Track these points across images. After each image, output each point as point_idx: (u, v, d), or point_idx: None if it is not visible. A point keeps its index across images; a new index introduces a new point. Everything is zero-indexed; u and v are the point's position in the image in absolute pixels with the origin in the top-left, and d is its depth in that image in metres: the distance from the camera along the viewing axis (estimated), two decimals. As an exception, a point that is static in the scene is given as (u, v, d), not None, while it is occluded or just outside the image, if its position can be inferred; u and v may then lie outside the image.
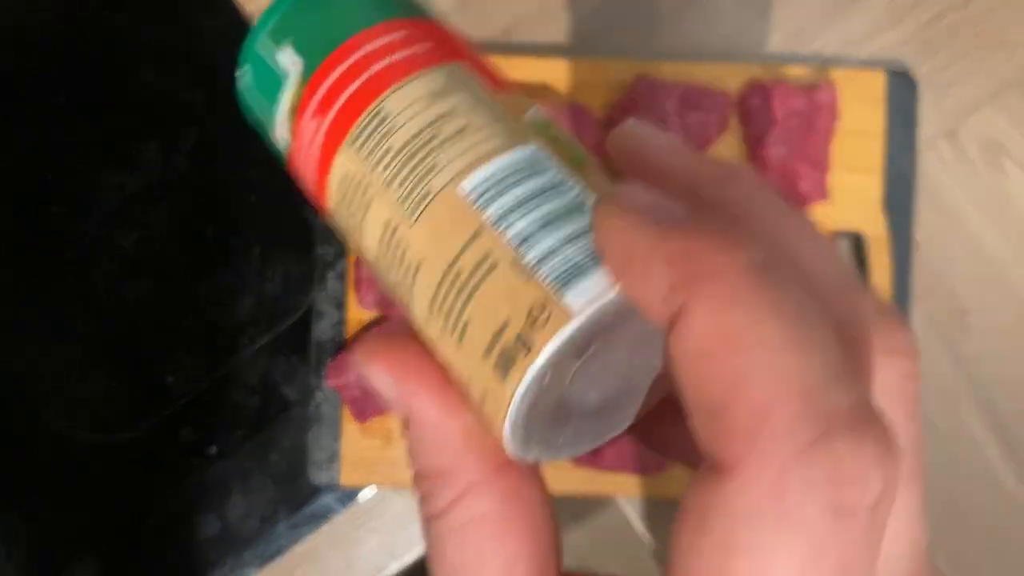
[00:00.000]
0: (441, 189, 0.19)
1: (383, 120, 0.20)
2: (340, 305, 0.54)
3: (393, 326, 0.22)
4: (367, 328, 0.54)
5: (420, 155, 0.20)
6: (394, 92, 0.21)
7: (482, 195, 0.19)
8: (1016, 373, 0.57)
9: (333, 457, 0.54)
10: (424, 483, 0.20)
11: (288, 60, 0.23)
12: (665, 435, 0.22)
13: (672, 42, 0.58)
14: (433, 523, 0.20)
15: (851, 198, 0.54)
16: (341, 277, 0.54)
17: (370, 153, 0.20)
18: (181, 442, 0.56)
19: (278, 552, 0.56)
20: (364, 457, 0.54)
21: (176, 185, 0.57)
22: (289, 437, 0.56)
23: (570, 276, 0.17)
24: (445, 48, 0.22)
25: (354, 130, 0.21)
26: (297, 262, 0.57)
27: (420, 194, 0.19)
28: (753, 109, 0.54)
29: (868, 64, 0.57)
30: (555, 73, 0.54)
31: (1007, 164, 0.57)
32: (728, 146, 0.55)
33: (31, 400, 0.56)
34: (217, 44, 0.58)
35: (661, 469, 0.52)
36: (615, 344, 0.18)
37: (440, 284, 0.19)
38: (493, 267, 0.18)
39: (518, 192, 0.19)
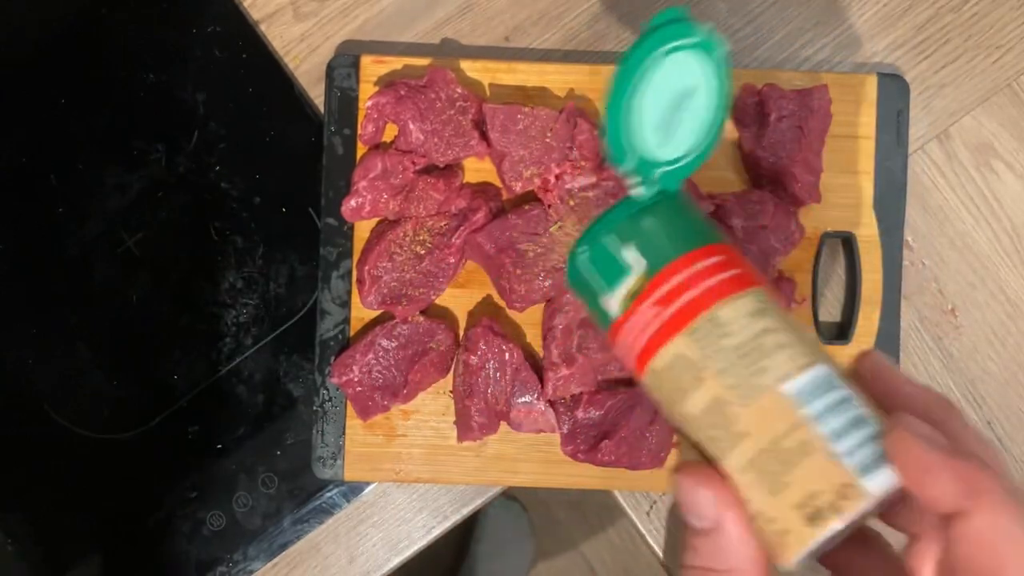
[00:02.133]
0: (769, 387, 0.28)
1: (718, 324, 0.29)
2: (344, 304, 0.55)
3: (700, 466, 0.29)
4: (369, 327, 0.55)
5: (750, 358, 0.28)
6: (725, 304, 0.29)
7: (801, 397, 0.27)
8: (1004, 370, 0.58)
9: (337, 453, 0.55)
10: (704, 574, 0.29)
11: (632, 257, 0.30)
12: (851, 560, 0.31)
13: (668, 46, 0.58)
14: None
15: (843, 199, 0.55)
16: (345, 277, 0.55)
17: (706, 346, 0.29)
18: (187, 439, 0.57)
19: (283, 546, 0.56)
20: (367, 453, 0.55)
21: (179, 185, 0.58)
22: (293, 434, 0.57)
23: (868, 468, 0.26)
24: (752, 274, 0.30)
25: (693, 325, 0.29)
26: (301, 262, 0.57)
27: (750, 386, 0.28)
28: (747, 113, 0.54)
29: (860, 68, 0.58)
30: (554, 78, 0.55)
31: (997, 166, 0.58)
32: (722, 149, 0.55)
33: (38, 399, 0.57)
34: (217, 44, 0.58)
35: (649, 466, 0.53)
36: (868, 514, 0.28)
37: (762, 452, 0.27)
38: (811, 451, 0.27)
39: (825, 400, 0.27)
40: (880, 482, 0.26)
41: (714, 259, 0.30)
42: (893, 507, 0.29)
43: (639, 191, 0.32)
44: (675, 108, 0.32)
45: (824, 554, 0.30)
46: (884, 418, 0.28)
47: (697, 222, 0.32)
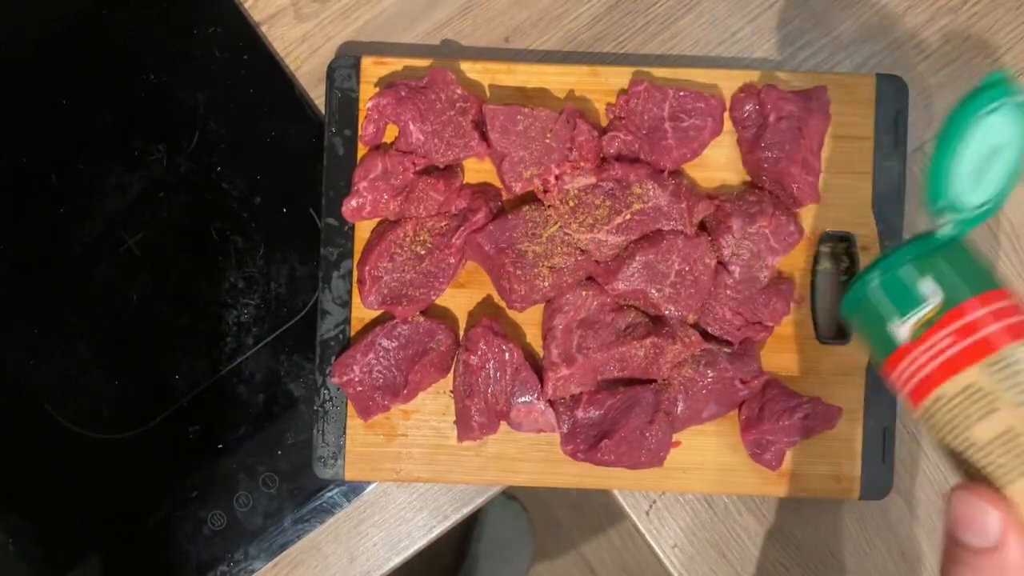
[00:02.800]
0: None
1: (1014, 361, 0.31)
2: (345, 304, 0.55)
3: (984, 487, 0.31)
4: (369, 327, 0.55)
5: None
6: (1017, 345, 0.32)
7: None
8: (1003, 370, 0.58)
9: (337, 453, 0.55)
10: None
11: (929, 289, 0.33)
12: None
13: (667, 48, 0.59)
14: None
15: (842, 200, 0.55)
16: (345, 277, 0.55)
17: (1002, 379, 0.31)
18: (188, 439, 0.57)
19: (284, 546, 0.57)
20: (368, 453, 0.55)
21: (180, 185, 0.58)
22: (294, 433, 0.57)
23: None
24: None
25: (991, 358, 0.31)
26: (302, 262, 0.58)
27: None
28: (746, 113, 0.55)
29: (859, 68, 0.58)
30: (554, 79, 0.56)
31: (995, 166, 0.58)
32: (722, 150, 0.56)
33: (38, 399, 0.57)
34: (218, 45, 0.59)
35: (649, 466, 0.53)
36: None
37: None
38: None
39: None
40: None
41: (1008, 302, 0.33)
42: None
43: (947, 229, 0.35)
44: (988, 160, 0.34)
45: None
46: None
47: (984, 266, 0.35)
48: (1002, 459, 0.31)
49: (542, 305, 0.55)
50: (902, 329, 0.34)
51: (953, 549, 0.32)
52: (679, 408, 0.53)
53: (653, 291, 0.53)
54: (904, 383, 0.35)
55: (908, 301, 0.34)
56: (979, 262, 0.35)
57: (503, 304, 0.55)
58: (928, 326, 0.33)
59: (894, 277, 0.34)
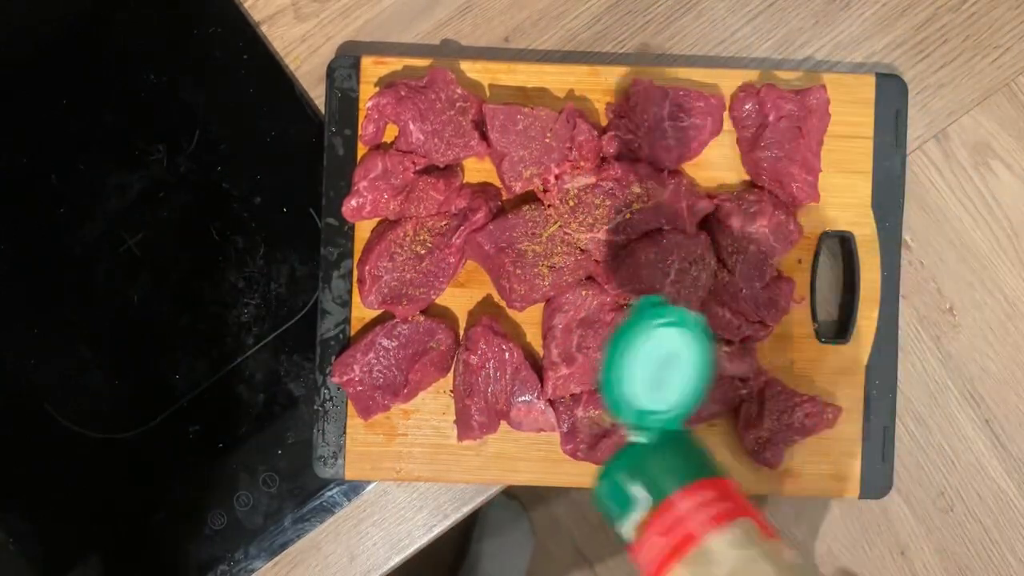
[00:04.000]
0: None
1: (709, 555, 0.33)
2: (345, 304, 0.55)
3: None
4: (369, 326, 0.55)
5: None
6: (716, 536, 0.34)
7: None
8: (1003, 369, 0.58)
9: (338, 452, 0.55)
10: None
11: (639, 493, 0.36)
12: None
13: (667, 48, 0.59)
14: None
15: (841, 199, 0.55)
16: (345, 277, 0.55)
17: (699, 573, 0.33)
18: (188, 438, 0.57)
19: (284, 545, 0.57)
20: (368, 452, 0.55)
21: (180, 185, 0.58)
22: (294, 433, 0.57)
23: None
24: (740, 505, 0.35)
25: (690, 556, 0.34)
26: (302, 262, 0.58)
27: None
28: (746, 113, 0.55)
29: (858, 68, 0.58)
30: (554, 79, 0.56)
31: (995, 165, 0.58)
32: (721, 149, 0.56)
33: (39, 399, 0.57)
34: (218, 45, 0.59)
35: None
36: None
37: None
38: None
39: None
40: None
41: (707, 494, 0.36)
42: None
43: (637, 439, 0.38)
44: (663, 368, 0.37)
45: None
46: None
47: (694, 459, 0.37)
48: None
49: (542, 304, 0.55)
50: (625, 530, 0.37)
51: None
52: (679, 407, 0.53)
53: (653, 290, 0.53)
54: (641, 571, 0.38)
55: (626, 504, 0.37)
56: (685, 458, 0.37)
57: (503, 303, 0.55)
58: (643, 527, 0.36)
59: (610, 486, 0.37)
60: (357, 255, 0.55)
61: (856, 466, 0.55)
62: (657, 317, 0.38)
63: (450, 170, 0.55)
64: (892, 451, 0.55)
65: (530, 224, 0.53)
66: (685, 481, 0.36)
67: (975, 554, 0.58)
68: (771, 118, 0.53)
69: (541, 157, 0.53)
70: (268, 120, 0.58)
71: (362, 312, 0.55)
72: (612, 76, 0.55)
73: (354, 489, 0.57)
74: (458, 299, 0.56)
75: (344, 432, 0.55)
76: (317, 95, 0.58)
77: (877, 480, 0.55)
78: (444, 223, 0.54)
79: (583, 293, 0.53)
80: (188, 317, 0.58)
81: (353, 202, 0.53)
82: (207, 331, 0.57)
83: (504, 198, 0.55)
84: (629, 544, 0.37)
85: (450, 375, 0.55)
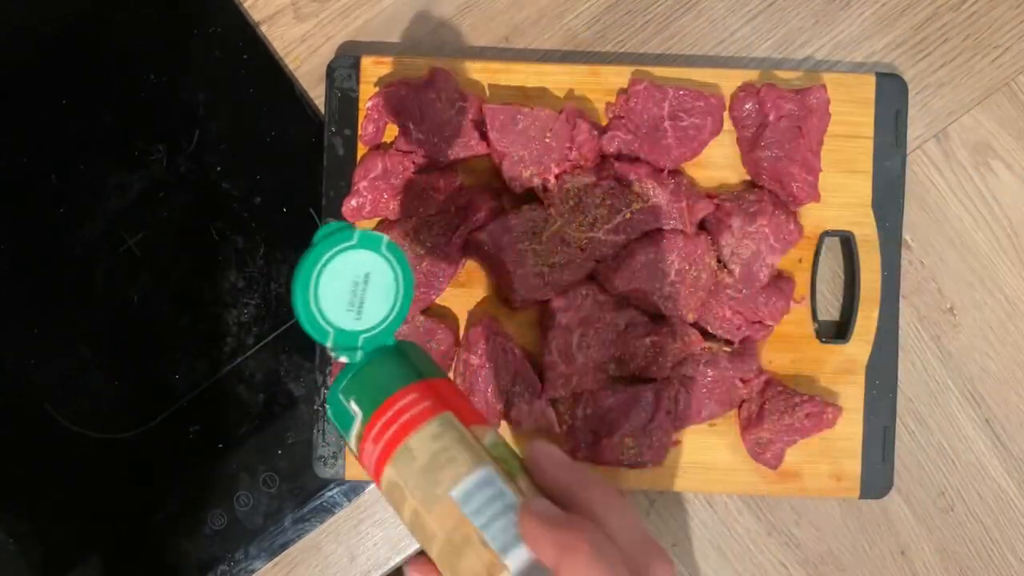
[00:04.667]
0: (441, 495, 0.34)
1: (410, 451, 0.36)
2: (344, 304, 0.55)
3: (423, 559, 0.36)
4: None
5: (430, 474, 0.35)
6: (413, 435, 0.36)
7: (463, 499, 0.34)
8: (1003, 369, 0.58)
9: (338, 452, 0.55)
10: None
11: (354, 408, 0.38)
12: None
13: (667, 48, 0.59)
14: None
15: (841, 199, 0.55)
16: (345, 277, 0.55)
17: (403, 470, 0.36)
18: (188, 438, 0.57)
19: (284, 545, 0.57)
20: (368, 452, 0.55)
21: (180, 185, 0.58)
22: (294, 433, 0.57)
23: (508, 547, 0.33)
24: (439, 402, 0.37)
25: (394, 455, 0.36)
26: (301, 262, 0.57)
27: (431, 497, 0.35)
28: (746, 112, 0.54)
29: (858, 67, 0.58)
30: (553, 78, 0.56)
31: (995, 165, 0.58)
32: (721, 149, 0.56)
33: (39, 399, 0.57)
34: (218, 45, 0.59)
35: (649, 464, 0.53)
36: None
37: (443, 547, 0.34)
38: (470, 541, 0.33)
39: (479, 498, 0.34)
40: (517, 558, 0.33)
41: (408, 398, 0.38)
42: None
43: (344, 359, 0.39)
44: (358, 289, 0.39)
45: None
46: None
47: (399, 369, 0.39)
48: (419, 536, 0.36)
49: (542, 304, 0.55)
50: (351, 444, 0.39)
51: None
52: (679, 407, 0.53)
53: (653, 290, 0.53)
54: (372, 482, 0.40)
55: (345, 421, 0.39)
56: (393, 367, 0.39)
57: (503, 303, 0.55)
58: (360, 439, 0.38)
59: (334, 403, 0.39)
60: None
61: (856, 466, 0.55)
62: (338, 243, 0.38)
63: (450, 170, 0.55)
64: (892, 451, 0.55)
65: (530, 224, 0.53)
66: (390, 391, 0.38)
67: (976, 554, 0.58)
68: (771, 118, 0.53)
69: (541, 157, 0.53)
70: (268, 120, 0.58)
71: (362, 312, 0.55)
72: (612, 76, 0.55)
73: (354, 489, 0.57)
74: (458, 299, 0.56)
75: (344, 432, 0.55)
76: (317, 95, 0.58)
77: (877, 480, 0.55)
78: (444, 223, 0.54)
79: (583, 293, 0.53)
80: (188, 317, 0.58)
81: (353, 202, 0.53)
82: (207, 331, 0.57)
83: (504, 198, 0.55)
84: (356, 456, 0.39)
85: (451, 375, 0.55)
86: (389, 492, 0.37)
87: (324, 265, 0.38)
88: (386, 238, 0.39)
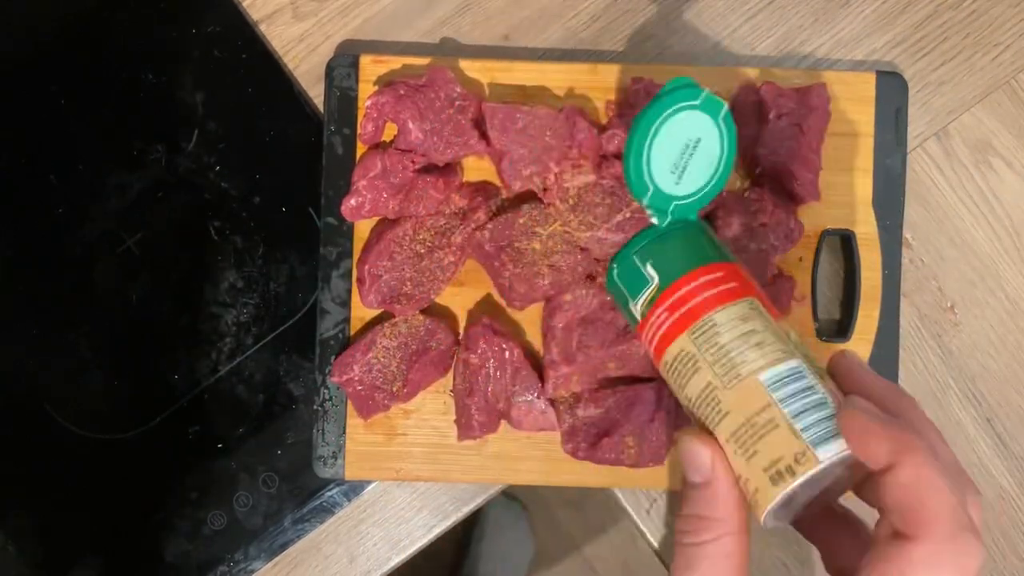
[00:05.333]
0: (747, 375, 0.35)
1: (713, 326, 0.36)
2: (344, 303, 0.55)
3: (702, 432, 0.37)
4: (369, 326, 0.55)
5: (735, 352, 0.36)
6: (720, 310, 0.37)
7: (772, 384, 0.35)
8: (1004, 367, 0.58)
9: (337, 452, 0.55)
10: (698, 522, 0.35)
11: (650, 272, 0.39)
12: (817, 529, 0.40)
13: (667, 46, 0.59)
14: (697, 547, 0.35)
15: (842, 197, 0.55)
16: (345, 276, 0.55)
17: (703, 343, 0.36)
18: (187, 439, 0.57)
19: (284, 546, 0.57)
20: (368, 452, 0.55)
21: (179, 185, 0.58)
22: (294, 433, 0.57)
23: (821, 440, 0.33)
24: (746, 286, 0.38)
25: (694, 327, 0.37)
26: (301, 261, 0.58)
27: (733, 375, 0.35)
28: (746, 111, 0.54)
29: (859, 66, 0.58)
30: (553, 77, 0.55)
31: (996, 163, 0.58)
32: (722, 147, 0.56)
33: (38, 399, 0.57)
34: (217, 44, 0.59)
35: (650, 464, 0.53)
36: (822, 480, 0.35)
37: (741, 426, 0.35)
38: (776, 426, 0.34)
39: (791, 388, 0.34)
40: (829, 450, 0.33)
41: (715, 275, 0.38)
42: (857, 483, 0.37)
43: (655, 220, 0.40)
44: (686, 153, 0.39)
45: (803, 524, 0.38)
46: (843, 402, 0.35)
47: (706, 244, 0.39)
48: (706, 411, 0.36)
49: (542, 304, 0.55)
50: (635, 308, 0.40)
51: (683, 489, 0.37)
52: (680, 406, 0.53)
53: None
54: (647, 351, 0.41)
55: (637, 284, 0.39)
56: (700, 241, 0.40)
57: (503, 303, 0.55)
58: (651, 304, 0.39)
59: (625, 265, 0.40)
60: (356, 254, 0.55)
61: (857, 465, 0.55)
62: (684, 99, 0.38)
63: (449, 169, 0.55)
64: (893, 450, 0.55)
65: (530, 223, 0.53)
66: (695, 264, 0.38)
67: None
68: (771, 116, 0.53)
69: (541, 155, 0.53)
70: (267, 119, 0.58)
71: (362, 312, 0.55)
72: (612, 74, 0.55)
73: (354, 489, 0.57)
74: (458, 298, 0.56)
75: (344, 432, 0.55)
76: (316, 94, 0.58)
77: (878, 479, 0.55)
78: (444, 222, 0.54)
79: (583, 292, 0.53)
80: (188, 317, 0.57)
81: (352, 201, 0.53)
82: (207, 331, 0.57)
83: (503, 197, 0.55)
84: (637, 324, 0.39)
85: (450, 374, 0.55)
86: (678, 362, 0.37)
87: (665, 120, 0.38)
88: (726, 106, 0.39)
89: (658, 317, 0.38)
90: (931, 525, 0.30)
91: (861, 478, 0.36)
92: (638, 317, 0.39)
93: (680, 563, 0.36)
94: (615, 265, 0.41)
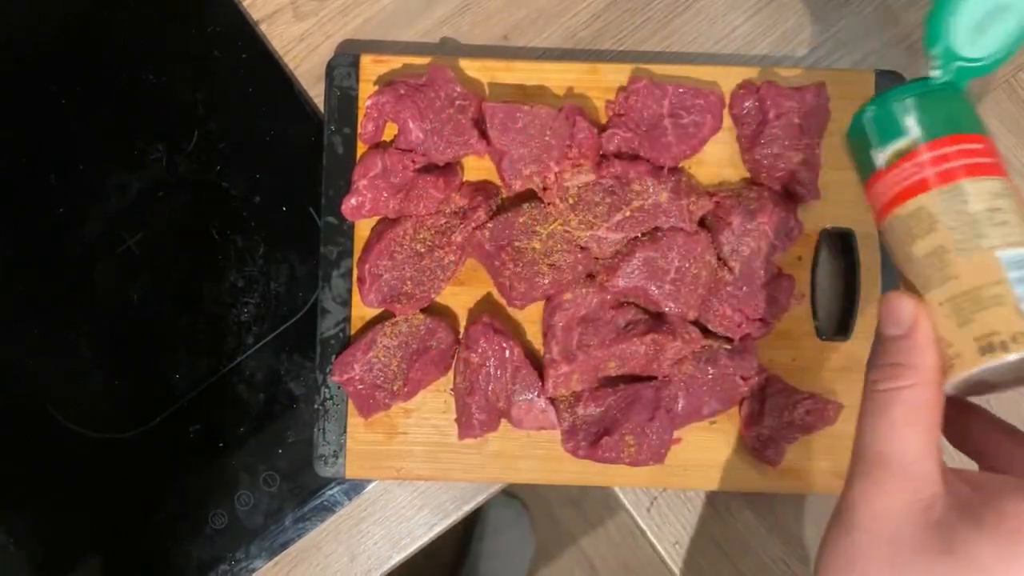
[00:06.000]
0: (986, 248, 0.36)
1: (962, 193, 0.37)
2: (344, 303, 0.55)
3: (905, 290, 0.37)
4: (369, 325, 0.55)
5: (978, 224, 0.36)
6: (973, 181, 0.37)
7: (1009, 263, 0.35)
8: (1004, 366, 0.58)
9: (338, 451, 0.55)
10: (893, 369, 0.35)
11: (911, 124, 0.38)
12: (1000, 445, 0.40)
13: (666, 45, 0.59)
14: (891, 393, 0.35)
15: (842, 196, 0.55)
16: (345, 275, 0.55)
17: (947, 206, 0.37)
18: (188, 438, 0.57)
19: (284, 545, 0.57)
20: (368, 451, 0.55)
21: (179, 185, 0.58)
22: (295, 432, 0.57)
23: None
24: (1001, 166, 0.38)
25: (943, 188, 0.37)
26: (302, 261, 0.58)
27: (972, 244, 0.36)
28: (746, 110, 0.54)
29: (858, 65, 0.58)
30: (553, 76, 0.56)
31: (995, 162, 0.58)
32: (721, 146, 0.56)
33: (39, 399, 0.57)
34: (217, 44, 0.59)
35: (650, 463, 0.53)
36: (1020, 369, 0.35)
37: (964, 294, 0.35)
38: (1002, 303, 0.35)
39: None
40: None
41: (975, 145, 0.38)
42: None
43: (936, 73, 0.39)
44: (992, 17, 0.38)
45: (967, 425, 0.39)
46: None
47: (972, 114, 0.39)
48: (929, 271, 0.36)
49: (542, 303, 0.55)
50: (881, 156, 0.39)
51: (876, 345, 0.37)
52: (680, 405, 0.53)
53: (653, 288, 0.53)
54: (875, 202, 0.40)
55: (891, 132, 0.39)
56: (967, 109, 0.39)
57: (503, 302, 0.55)
58: (901, 155, 0.38)
59: (884, 110, 0.39)
60: (357, 254, 0.55)
61: (857, 463, 0.55)
62: None
63: (450, 168, 0.55)
64: (893, 448, 0.55)
65: (530, 222, 0.53)
66: (959, 129, 0.38)
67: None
68: (771, 115, 0.53)
69: (541, 155, 0.53)
70: (267, 119, 0.58)
71: (362, 311, 0.55)
72: (611, 74, 0.55)
73: (355, 488, 0.57)
74: (458, 297, 0.56)
75: (344, 431, 0.55)
76: (316, 94, 0.58)
77: (878, 477, 0.55)
78: (444, 221, 0.54)
79: (583, 291, 0.53)
80: (188, 317, 0.58)
81: (353, 201, 0.53)
82: (207, 331, 0.57)
83: (504, 196, 0.55)
84: (876, 172, 0.39)
85: (450, 373, 0.55)
86: (913, 218, 0.37)
87: None
88: None
89: (905, 170, 0.38)
90: None
91: None
92: (879, 165, 0.39)
93: (871, 409, 0.36)
94: (871, 108, 0.40)
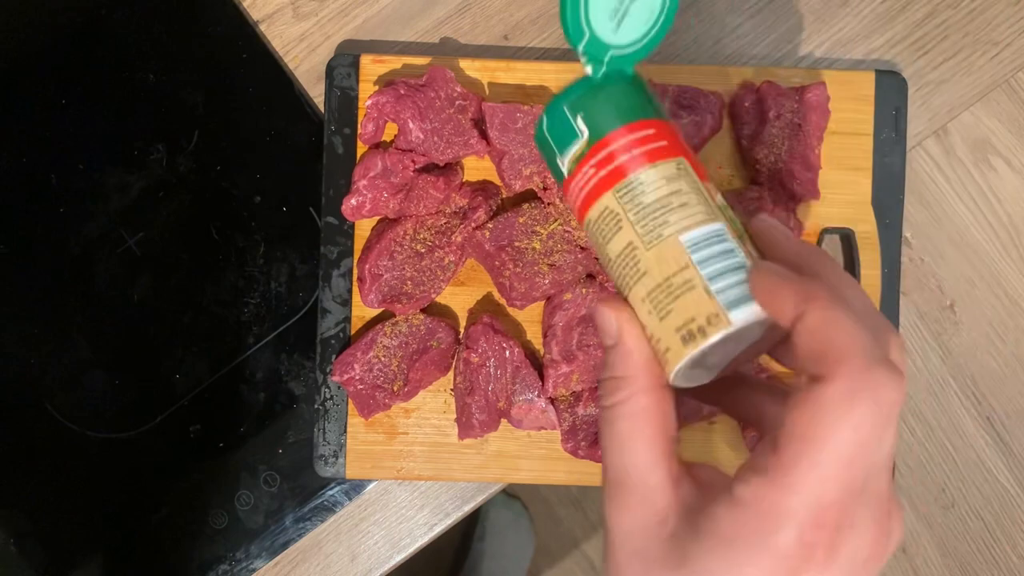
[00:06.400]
0: (669, 236, 0.34)
1: (639, 184, 0.35)
2: (345, 302, 0.55)
3: (613, 297, 0.37)
4: (369, 325, 0.55)
5: (658, 212, 0.35)
6: (647, 169, 0.35)
7: (692, 246, 0.34)
8: (1004, 366, 0.58)
9: (338, 451, 0.55)
10: (612, 383, 0.35)
11: (580, 126, 0.37)
12: (727, 397, 0.39)
13: (666, 45, 0.59)
14: (612, 408, 0.34)
15: (842, 196, 0.55)
16: (345, 275, 0.55)
17: (627, 201, 0.35)
18: (189, 438, 0.57)
19: (285, 545, 0.57)
20: (369, 451, 0.55)
21: (180, 185, 0.58)
22: (295, 432, 0.57)
23: (735, 303, 0.33)
24: (676, 146, 0.36)
25: (620, 185, 0.36)
26: (302, 261, 0.58)
27: (655, 235, 0.35)
28: (745, 110, 0.55)
29: (858, 65, 0.58)
30: (552, 76, 0.56)
31: (995, 161, 0.58)
32: (721, 146, 0.56)
33: (40, 398, 0.57)
34: (218, 44, 0.59)
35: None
36: (735, 342, 0.34)
37: (657, 287, 0.34)
38: (692, 287, 0.33)
39: (710, 250, 0.34)
40: (742, 313, 0.33)
41: (646, 132, 0.36)
42: (772, 349, 0.36)
43: (589, 70, 0.37)
44: (627, 2, 0.37)
45: (725, 394, 0.39)
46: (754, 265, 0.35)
47: (640, 100, 0.37)
48: (625, 270, 0.36)
49: (542, 303, 0.55)
50: (563, 164, 0.38)
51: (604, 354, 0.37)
52: (679, 405, 0.53)
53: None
54: (572, 210, 0.40)
55: (565, 139, 0.37)
56: (634, 97, 0.37)
57: (503, 302, 0.55)
58: (579, 160, 0.37)
59: (553, 118, 0.37)
60: (357, 254, 0.55)
61: (857, 463, 0.55)
62: None
63: (450, 168, 0.55)
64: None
65: (530, 222, 0.53)
66: (627, 119, 0.36)
67: (976, 551, 0.58)
68: (771, 115, 0.53)
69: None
70: (267, 119, 0.58)
71: (362, 311, 0.55)
72: (611, 74, 0.55)
73: (355, 488, 0.57)
74: (458, 297, 0.56)
75: (345, 431, 0.55)
76: (316, 94, 0.58)
77: (878, 477, 0.55)
78: (444, 221, 0.54)
79: (583, 291, 0.53)
80: (188, 316, 0.58)
81: (353, 201, 0.53)
82: (207, 330, 0.57)
83: (504, 196, 0.55)
84: (564, 180, 0.38)
85: (451, 373, 0.55)
86: (601, 220, 0.36)
87: None
88: None
89: (585, 174, 0.37)
90: (841, 362, 0.29)
91: (780, 342, 0.36)
92: (565, 173, 0.38)
93: (602, 426, 0.35)
94: (544, 117, 0.38)
